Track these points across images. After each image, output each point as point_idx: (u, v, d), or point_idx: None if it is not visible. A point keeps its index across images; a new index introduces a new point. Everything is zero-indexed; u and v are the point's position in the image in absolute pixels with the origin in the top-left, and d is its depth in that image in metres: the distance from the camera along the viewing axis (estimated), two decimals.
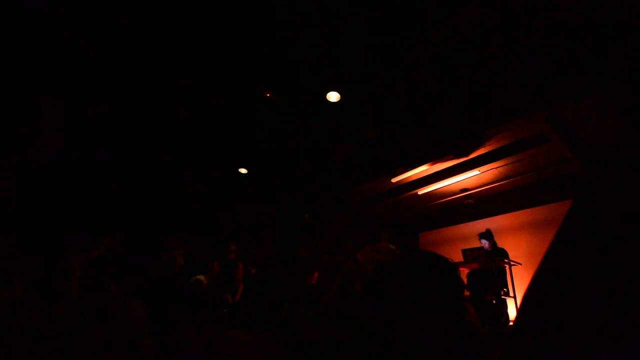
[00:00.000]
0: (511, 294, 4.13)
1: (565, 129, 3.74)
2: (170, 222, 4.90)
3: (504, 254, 4.43)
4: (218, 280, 3.21)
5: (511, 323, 4.12)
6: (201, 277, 3.28)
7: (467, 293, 4.42)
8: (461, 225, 6.36)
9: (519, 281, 4.33)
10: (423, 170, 4.79)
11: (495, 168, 4.73)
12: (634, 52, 2.61)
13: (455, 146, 4.27)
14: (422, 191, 5.46)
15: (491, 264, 4.30)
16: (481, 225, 5.63)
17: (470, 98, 3.57)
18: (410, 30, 2.78)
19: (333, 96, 3.57)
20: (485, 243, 4.59)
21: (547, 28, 2.68)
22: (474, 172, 4.78)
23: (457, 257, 4.66)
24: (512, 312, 4.21)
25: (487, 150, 4.35)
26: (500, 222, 5.68)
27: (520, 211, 5.54)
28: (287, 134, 4.37)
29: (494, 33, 2.78)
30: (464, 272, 4.72)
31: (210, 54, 3.10)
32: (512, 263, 4.22)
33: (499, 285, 4.19)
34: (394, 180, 5.07)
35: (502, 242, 4.84)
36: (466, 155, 4.44)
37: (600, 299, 0.22)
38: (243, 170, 5.24)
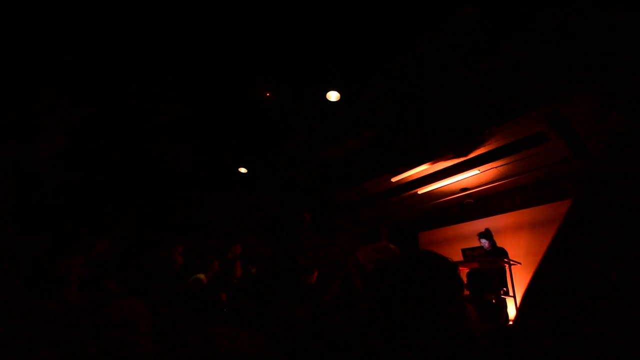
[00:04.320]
0: (511, 293, 4.13)
1: (565, 129, 3.74)
2: (169, 222, 4.90)
3: (503, 253, 4.43)
4: (216, 279, 3.22)
5: (511, 322, 4.12)
6: (201, 276, 3.29)
7: (467, 292, 4.43)
8: (461, 224, 6.36)
9: (519, 281, 4.33)
10: (423, 170, 4.79)
11: (495, 167, 4.73)
12: (633, 51, 2.61)
13: (455, 146, 4.27)
14: (422, 190, 5.46)
15: (491, 264, 4.30)
16: (481, 224, 5.63)
17: (470, 97, 3.57)
18: (410, 30, 2.78)
19: (333, 96, 3.57)
20: (484, 242, 4.59)
21: (547, 27, 2.67)
22: (474, 172, 4.78)
23: (457, 256, 4.66)
24: (511, 312, 4.21)
25: (487, 150, 4.35)
26: (500, 222, 5.67)
27: (520, 211, 5.54)
28: (287, 133, 4.37)
29: (494, 32, 2.77)
30: (463, 272, 4.73)
31: (210, 53, 3.09)
32: (511, 262, 4.23)
33: (499, 285, 4.19)
34: (394, 179, 5.07)
35: (501, 242, 4.84)
36: (466, 155, 4.44)
37: (599, 298, 0.22)
38: (243, 170, 5.24)
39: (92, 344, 0.77)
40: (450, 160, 4.59)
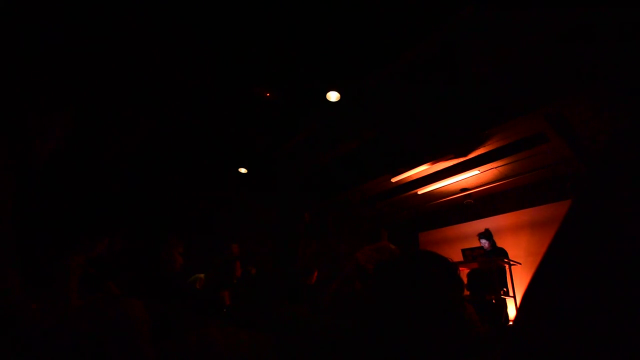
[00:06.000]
0: (511, 293, 4.13)
1: (565, 129, 3.74)
2: (169, 222, 4.90)
3: (503, 253, 4.43)
4: (216, 279, 3.22)
5: (511, 323, 4.12)
6: (201, 276, 3.30)
7: (467, 293, 4.43)
8: (461, 225, 6.36)
9: (519, 281, 4.33)
10: (423, 170, 4.79)
11: (495, 168, 4.73)
12: (633, 50, 2.61)
13: (455, 146, 4.27)
14: (422, 191, 5.46)
15: (491, 264, 4.30)
16: (481, 225, 5.62)
17: (470, 98, 3.57)
18: (410, 30, 2.78)
19: (333, 96, 3.57)
20: (484, 243, 4.59)
21: (547, 27, 2.67)
22: (474, 172, 4.78)
23: (457, 256, 4.66)
24: (511, 312, 4.21)
25: (487, 150, 4.35)
26: (500, 222, 5.68)
27: (520, 211, 5.54)
28: (287, 133, 4.37)
29: (494, 32, 2.78)
30: (464, 272, 4.73)
31: (210, 52, 3.09)
32: (511, 263, 4.23)
33: (499, 285, 4.19)
34: (394, 180, 5.07)
35: (501, 242, 4.84)
36: (466, 155, 4.44)
37: (600, 299, 0.22)
38: (243, 170, 5.24)
39: (92, 345, 0.77)
40: (450, 161, 4.59)
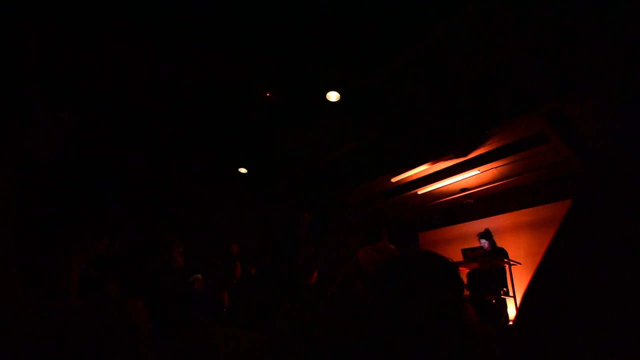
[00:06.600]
0: (511, 293, 4.13)
1: (565, 129, 3.74)
2: (169, 222, 4.90)
3: (503, 253, 4.43)
4: (216, 279, 3.22)
5: (511, 322, 4.12)
6: (199, 276, 3.30)
7: (467, 292, 4.42)
8: (461, 225, 6.36)
9: (519, 281, 4.33)
10: (423, 170, 4.79)
11: (495, 168, 4.73)
12: (633, 51, 2.61)
13: (455, 146, 4.27)
14: (422, 191, 5.46)
15: (491, 264, 4.30)
16: (481, 225, 5.62)
17: (470, 98, 3.57)
18: (410, 30, 2.78)
19: (333, 96, 3.57)
20: (484, 243, 4.59)
21: (547, 27, 2.67)
22: (474, 172, 4.78)
23: (457, 256, 4.66)
24: (511, 312, 4.21)
25: (487, 150, 4.35)
26: (500, 222, 5.67)
27: (520, 211, 5.54)
28: (287, 133, 4.37)
29: (494, 33, 2.78)
30: (464, 272, 4.73)
31: (210, 52, 3.09)
32: (511, 263, 4.22)
33: (499, 285, 4.19)
34: (394, 180, 5.07)
35: (501, 242, 4.84)
36: (466, 155, 4.44)
37: (599, 298, 0.22)
38: (243, 170, 5.24)
39: (93, 345, 0.77)
40: (450, 161, 4.59)
